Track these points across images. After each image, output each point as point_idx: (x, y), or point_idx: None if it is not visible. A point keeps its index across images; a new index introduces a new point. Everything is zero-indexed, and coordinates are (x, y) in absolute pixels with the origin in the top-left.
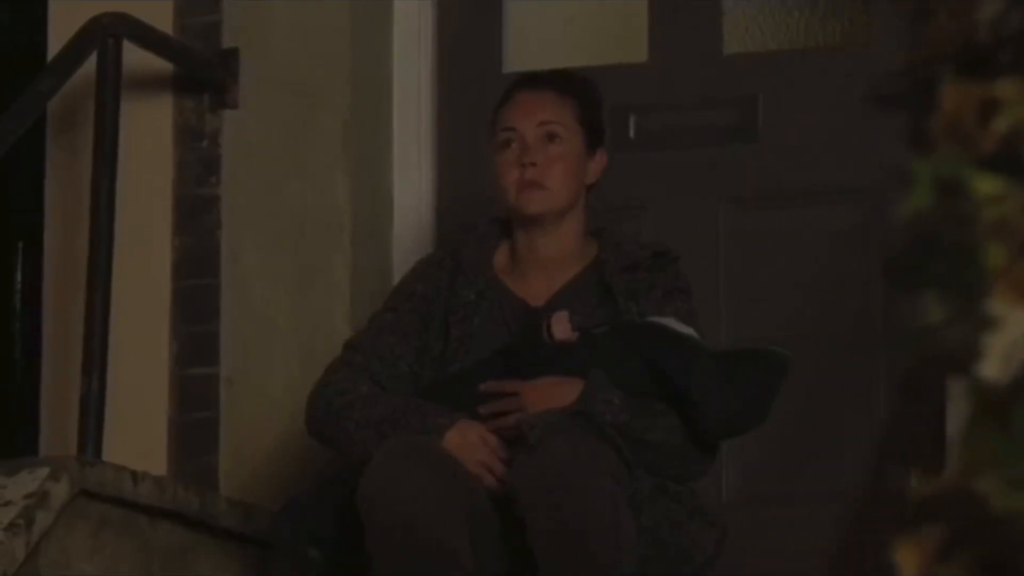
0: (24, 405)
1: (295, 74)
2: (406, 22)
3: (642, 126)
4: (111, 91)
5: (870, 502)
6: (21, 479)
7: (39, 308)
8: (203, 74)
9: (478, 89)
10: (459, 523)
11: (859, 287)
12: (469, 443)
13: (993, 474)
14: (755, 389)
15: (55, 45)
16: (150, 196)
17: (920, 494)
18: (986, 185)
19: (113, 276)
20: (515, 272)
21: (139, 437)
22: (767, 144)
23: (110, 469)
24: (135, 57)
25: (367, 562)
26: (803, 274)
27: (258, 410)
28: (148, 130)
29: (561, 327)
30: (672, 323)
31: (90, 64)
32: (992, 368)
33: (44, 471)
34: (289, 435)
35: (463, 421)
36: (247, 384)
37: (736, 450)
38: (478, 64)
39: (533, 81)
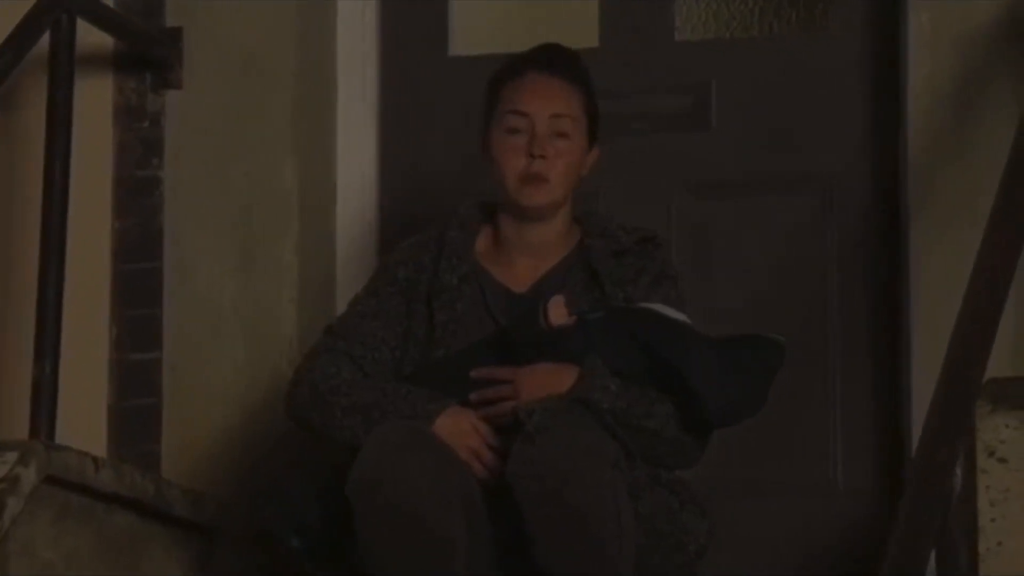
0: None
1: (241, 54)
2: (351, 5)
3: None
4: (65, 68)
5: None
6: None
7: None
8: (148, 53)
9: (423, 72)
10: (455, 509)
11: (813, 275)
12: (460, 430)
13: None
14: (753, 376)
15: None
16: (89, 178)
17: None
18: None
19: None
20: (498, 257)
21: (78, 424)
22: (720, 131)
23: (74, 454)
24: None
25: (357, 548)
26: (756, 262)
27: (202, 397)
28: (87, 110)
29: (557, 312)
30: (665, 309)
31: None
32: None
33: (13, 455)
34: (234, 422)
35: (454, 407)
36: (190, 370)
37: None
38: (423, 47)
39: (548, 64)
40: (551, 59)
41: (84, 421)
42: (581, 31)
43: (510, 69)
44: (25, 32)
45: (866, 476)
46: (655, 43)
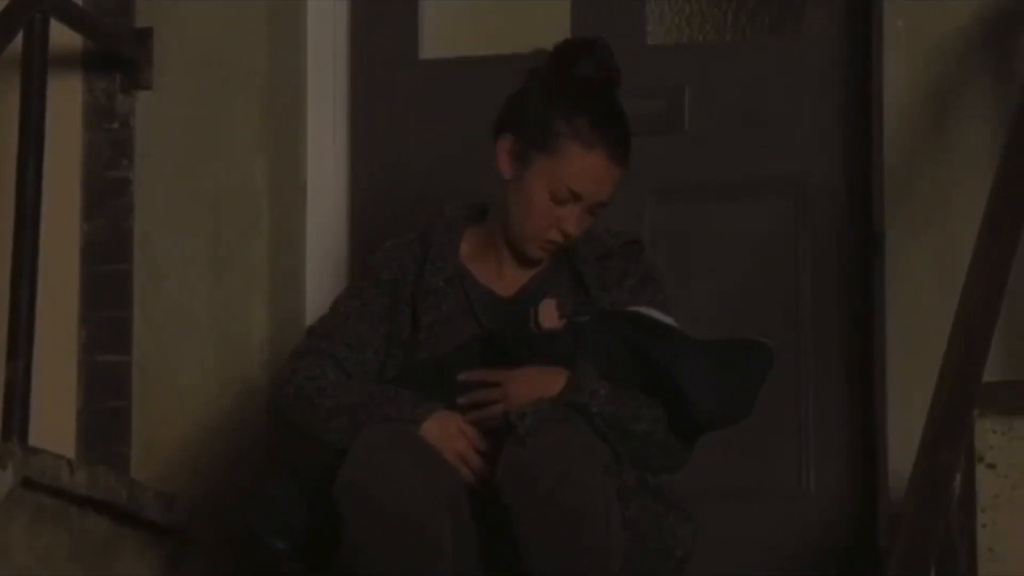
0: None
1: (211, 55)
2: (321, 5)
3: None
4: (39, 69)
5: None
6: None
7: None
8: (118, 54)
9: (394, 74)
10: (442, 512)
11: (786, 280)
12: (447, 434)
13: None
14: (744, 380)
15: None
16: (58, 179)
17: None
18: None
19: None
20: (483, 260)
21: (47, 426)
22: (693, 135)
23: (49, 457)
24: None
25: (342, 549)
26: (728, 266)
27: (172, 399)
28: (56, 110)
29: (548, 315)
30: (653, 313)
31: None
32: None
33: None
34: (204, 424)
35: (441, 411)
36: (160, 372)
37: None
38: (394, 49)
39: (622, 155)
40: (625, 148)
41: (53, 423)
42: (553, 34)
43: (586, 129)
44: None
45: (837, 481)
46: (627, 46)
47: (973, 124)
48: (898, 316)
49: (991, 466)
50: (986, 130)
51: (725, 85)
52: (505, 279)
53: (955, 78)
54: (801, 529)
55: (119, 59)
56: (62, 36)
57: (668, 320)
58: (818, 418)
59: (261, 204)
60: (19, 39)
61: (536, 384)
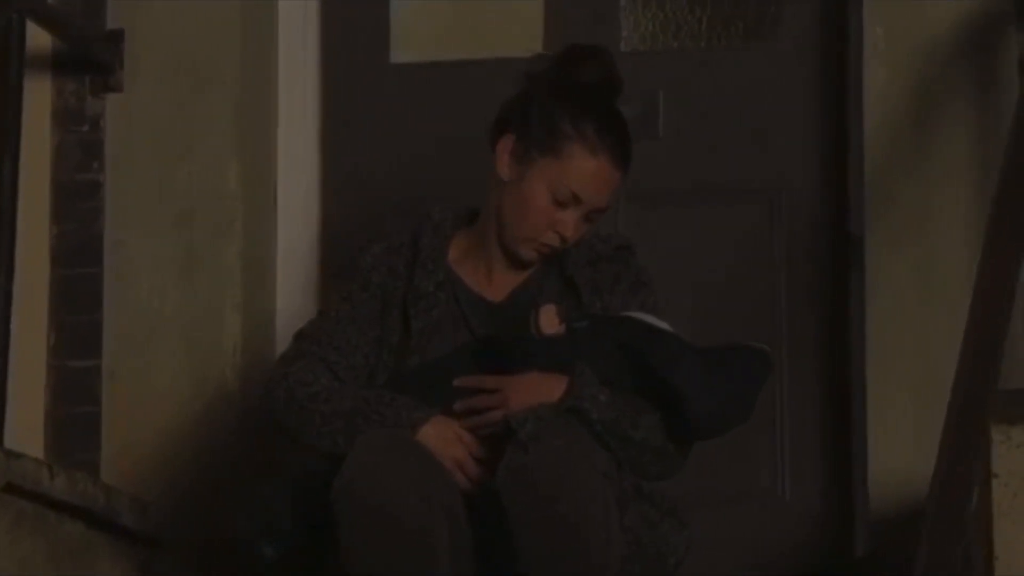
0: None
1: (183, 57)
2: (292, 9)
3: None
4: (15, 70)
5: None
6: None
7: None
8: (88, 55)
9: (365, 78)
10: (441, 518)
11: (760, 287)
12: (445, 439)
13: None
14: (742, 385)
15: None
16: (27, 181)
17: None
18: None
19: None
20: (472, 265)
21: (15, 431)
22: (667, 141)
23: (31, 462)
24: None
25: (330, 556)
26: (704, 272)
27: (143, 404)
28: (25, 112)
29: (549, 320)
30: (649, 318)
31: None
32: None
33: None
34: (175, 430)
35: (439, 416)
36: (131, 377)
37: None
38: (365, 53)
39: (623, 162)
40: (627, 156)
41: (21, 428)
42: (525, 40)
43: (591, 134)
44: None
45: (812, 488)
46: None
47: (954, 132)
48: (878, 324)
49: (994, 475)
50: (967, 138)
51: (700, 91)
52: (494, 284)
53: (935, 85)
54: (776, 536)
55: (89, 61)
56: (31, 37)
57: (663, 325)
58: (793, 425)
59: (235, 208)
60: None
61: (536, 390)
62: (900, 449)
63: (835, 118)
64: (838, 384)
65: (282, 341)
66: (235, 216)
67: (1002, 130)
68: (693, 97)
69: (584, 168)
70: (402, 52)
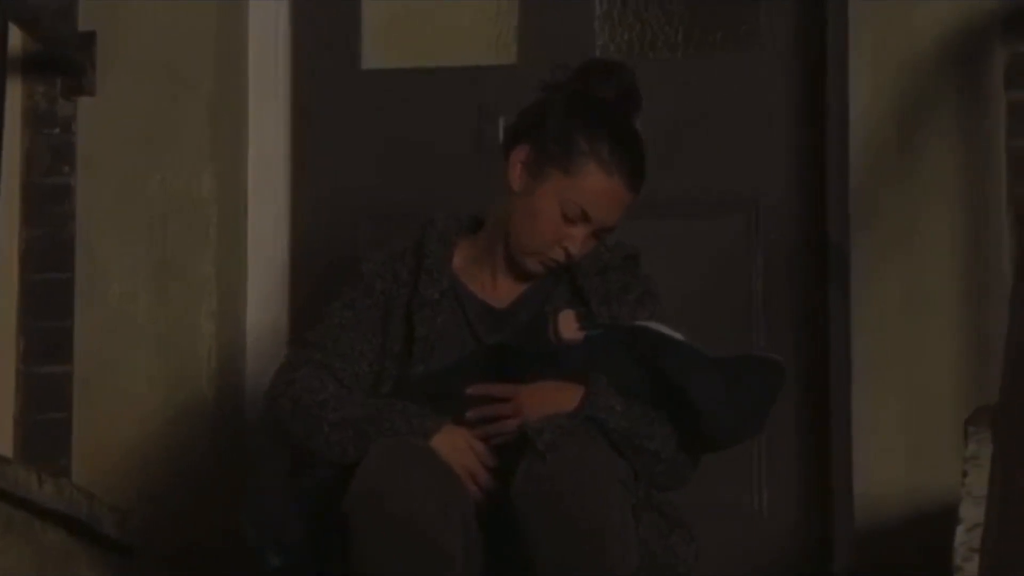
0: None
1: (156, 60)
2: (263, 13)
3: None
4: None
5: None
6: None
7: None
8: (60, 57)
9: (335, 85)
10: (456, 528)
11: (739, 299)
12: (457, 448)
13: None
14: (757, 396)
15: None
16: None
17: None
18: None
19: None
20: (476, 273)
21: None
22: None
23: (20, 468)
24: None
25: (338, 566)
26: (681, 283)
27: (114, 411)
28: None
29: (568, 326)
30: (662, 327)
31: None
32: None
33: None
34: (148, 437)
35: (450, 425)
36: (103, 384)
37: None
38: (335, 59)
39: (637, 180)
40: (640, 176)
41: None
42: (498, 48)
43: (606, 153)
44: None
45: (790, 503)
46: (576, 61)
47: (941, 143)
48: (864, 338)
49: None
50: (953, 149)
51: (677, 102)
52: (499, 291)
53: (922, 97)
54: (753, 550)
55: (61, 63)
56: None
57: (678, 335)
58: (771, 439)
59: (209, 213)
60: None
61: (551, 399)
62: (887, 462)
63: (813, 129)
64: (815, 398)
65: (255, 348)
66: (209, 221)
67: (988, 141)
68: (670, 108)
69: (597, 187)
70: (373, 58)
